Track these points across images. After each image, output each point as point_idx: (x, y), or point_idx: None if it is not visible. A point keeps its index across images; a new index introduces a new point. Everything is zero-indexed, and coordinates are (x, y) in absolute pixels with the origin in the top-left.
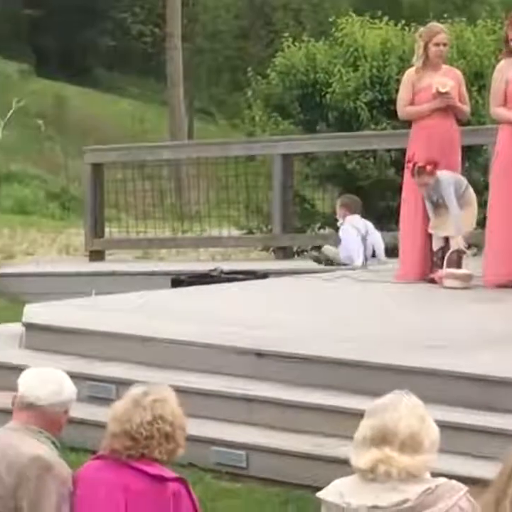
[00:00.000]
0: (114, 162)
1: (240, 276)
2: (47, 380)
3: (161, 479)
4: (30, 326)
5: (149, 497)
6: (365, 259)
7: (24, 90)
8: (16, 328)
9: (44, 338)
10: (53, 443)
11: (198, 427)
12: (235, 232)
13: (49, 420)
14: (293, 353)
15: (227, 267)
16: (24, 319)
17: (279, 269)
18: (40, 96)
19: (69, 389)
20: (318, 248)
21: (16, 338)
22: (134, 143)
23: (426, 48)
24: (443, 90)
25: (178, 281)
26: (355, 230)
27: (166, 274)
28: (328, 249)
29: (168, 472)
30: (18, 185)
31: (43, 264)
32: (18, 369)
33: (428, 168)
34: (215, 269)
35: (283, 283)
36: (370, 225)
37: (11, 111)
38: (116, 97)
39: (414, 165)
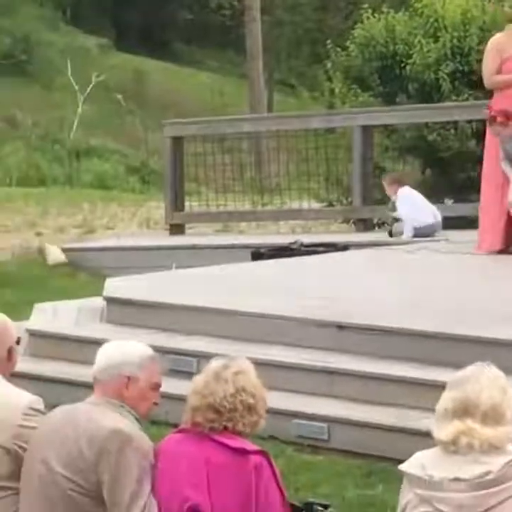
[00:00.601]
0: (193, 135)
1: (320, 248)
2: (112, 352)
3: (243, 452)
4: (111, 300)
5: (231, 470)
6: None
7: (104, 65)
8: (97, 302)
9: (125, 312)
10: (136, 417)
11: (279, 400)
12: (315, 205)
13: (116, 391)
14: (374, 325)
15: (307, 239)
16: (105, 293)
17: (359, 242)
18: (119, 70)
19: (129, 355)
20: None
21: (98, 312)
22: (213, 116)
23: None
24: None
25: (258, 254)
26: (408, 198)
27: (246, 247)
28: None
29: (249, 445)
30: (98, 160)
31: (124, 238)
32: (100, 343)
33: (499, 119)
34: (295, 242)
35: (363, 255)
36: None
37: (91, 85)
38: (196, 71)
39: (489, 113)
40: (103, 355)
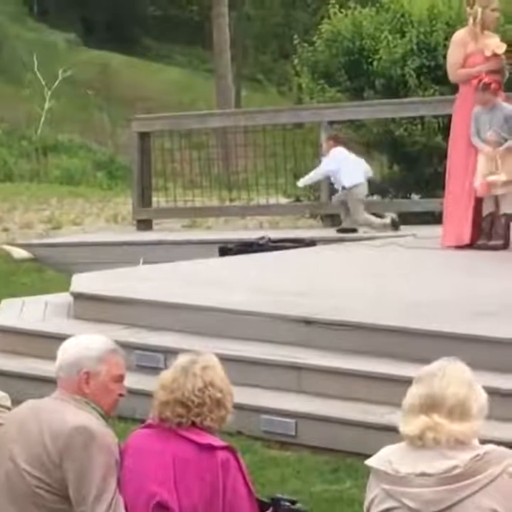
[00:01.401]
0: (161, 131)
1: (288, 244)
2: (70, 348)
3: (210, 448)
4: (78, 296)
5: (198, 466)
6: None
7: (71, 60)
8: (65, 297)
9: (92, 307)
10: (102, 415)
11: (247, 396)
12: (283, 200)
13: (77, 387)
14: (342, 320)
15: (274, 235)
16: (72, 289)
17: (326, 237)
18: (87, 65)
19: (87, 350)
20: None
21: (65, 307)
22: (181, 112)
23: (482, 13)
24: (500, 52)
25: (226, 249)
26: (342, 158)
27: (214, 242)
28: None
29: (216, 441)
30: (65, 156)
31: (91, 234)
32: (66, 338)
33: (493, 85)
34: (262, 238)
35: (331, 251)
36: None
37: (58, 80)
38: (164, 66)
39: (480, 80)
40: (62, 352)
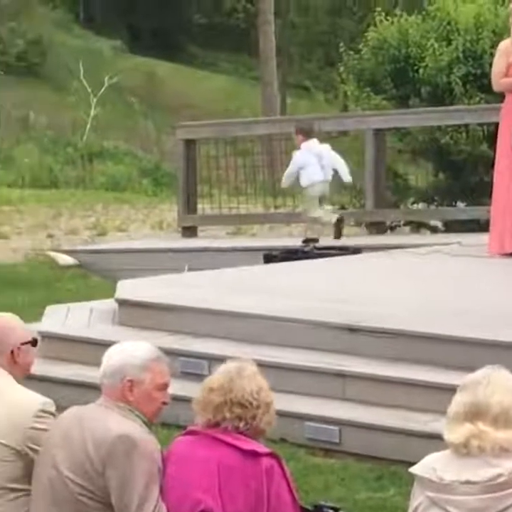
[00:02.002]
0: (207, 138)
1: (333, 251)
2: (114, 355)
3: (254, 454)
4: (122, 302)
5: (242, 473)
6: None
7: (117, 67)
8: (109, 304)
9: (137, 314)
10: (145, 422)
11: (291, 403)
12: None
13: (121, 394)
14: (386, 328)
15: (320, 242)
16: (117, 295)
17: (371, 245)
18: (132, 73)
19: (131, 358)
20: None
21: (109, 314)
22: (227, 119)
23: None
24: None
25: (271, 256)
26: (311, 154)
27: (259, 249)
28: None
29: (261, 447)
30: (110, 162)
31: (136, 241)
32: (111, 345)
33: None
34: (307, 245)
35: (376, 258)
36: (326, 147)
37: (104, 88)
38: (209, 74)
39: None
40: (107, 359)
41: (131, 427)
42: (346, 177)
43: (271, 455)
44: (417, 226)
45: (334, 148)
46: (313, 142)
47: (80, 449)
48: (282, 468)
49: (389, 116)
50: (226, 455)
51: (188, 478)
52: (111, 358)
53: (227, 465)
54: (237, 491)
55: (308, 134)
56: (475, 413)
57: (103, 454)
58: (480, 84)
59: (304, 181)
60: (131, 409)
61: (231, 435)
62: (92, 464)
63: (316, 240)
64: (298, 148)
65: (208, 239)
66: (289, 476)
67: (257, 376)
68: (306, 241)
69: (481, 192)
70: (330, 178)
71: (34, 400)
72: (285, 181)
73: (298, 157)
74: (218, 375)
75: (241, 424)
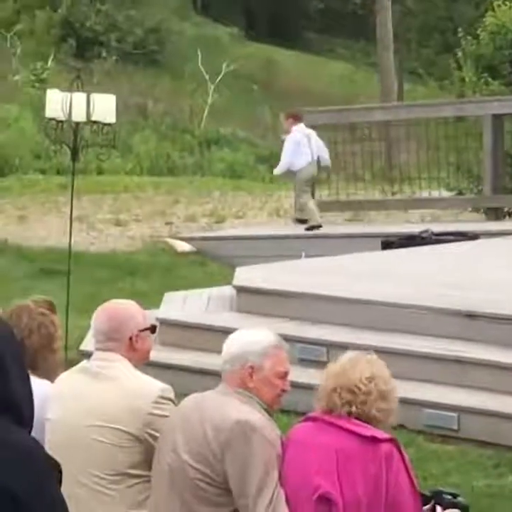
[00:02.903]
0: (324, 124)
1: (451, 237)
2: (235, 342)
3: (374, 440)
4: (240, 289)
5: (361, 458)
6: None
7: (234, 54)
8: (227, 291)
9: (254, 300)
10: (264, 406)
11: (409, 389)
12: (445, 194)
13: (242, 381)
14: (505, 314)
15: (437, 228)
16: (235, 282)
17: (489, 230)
18: (250, 60)
19: (252, 344)
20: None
21: (227, 300)
22: (344, 105)
23: None
24: None
25: (389, 243)
26: (302, 134)
27: (376, 236)
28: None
29: (380, 433)
30: (228, 149)
31: (253, 227)
32: (229, 332)
33: None
34: (425, 231)
35: (494, 244)
36: (313, 132)
37: (221, 74)
38: (327, 60)
39: None
40: (227, 346)
41: (251, 413)
42: (328, 161)
43: (390, 441)
44: None
45: (449, 134)
46: (302, 126)
47: (200, 434)
48: (402, 454)
49: (507, 102)
50: (345, 441)
51: (307, 463)
52: (232, 344)
53: (346, 451)
54: (356, 477)
55: (298, 118)
56: None
57: (222, 439)
58: None
59: (295, 166)
60: (251, 395)
61: (350, 421)
62: (211, 450)
63: (319, 226)
64: (288, 132)
65: (325, 225)
66: (408, 462)
67: (373, 364)
68: (299, 221)
69: None
70: (316, 158)
71: (153, 386)
72: (280, 169)
73: (292, 135)
74: (335, 363)
75: (352, 409)
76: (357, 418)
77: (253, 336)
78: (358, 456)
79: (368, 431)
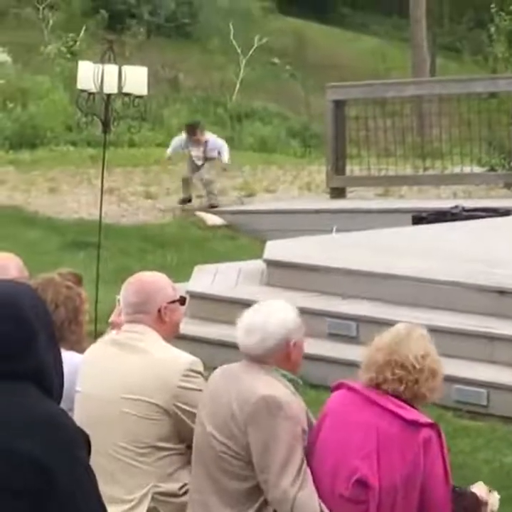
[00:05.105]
0: (356, 99)
1: (482, 213)
2: (268, 317)
3: (415, 424)
4: (271, 263)
5: (402, 442)
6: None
7: (266, 28)
8: (258, 264)
9: (284, 274)
10: (291, 380)
11: None
12: (477, 169)
13: (281, 357)
14: None
15: (468, 204)
16: (265, 256)
17: None
18: (281, 33)
19: (278, 321)
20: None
21: (257, 274)
22: (376, 80)
23: None
24: None
25: (420, 218)
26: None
27: (407, 211)
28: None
29: (422, 417)
30: (259, 123)
31: (284, 202)
32: None
33: None
34: (456, 207)
35: None
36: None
37: (253, 48)
38: (359, 35)
39: None
40: (260, 323)
41: (277, 388)
42: (227, 158)
43: (431, 426)
44: None
45: (481, 109)
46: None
47: (226, 407)
48: (440, 441)
49: None
50: (387, 423)
51: (346, 442)
52: (268, 321)
53: (387, 434)
54: (395, 461)
55: (202, 128)
56: None
57: (247, 412)
58: None
59: (225, 157)
60: (276, 369)
61: (393, 402)
62: (236, 423)
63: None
64: (204, 140)
65: (356, 200)
66: (445, 449)
67: (425, 340)
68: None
69: None
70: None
71: (182, 358)
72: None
73: (218, 140)
74: (387, 334)
75: (401, 387)
76: (401, 397)
77: (285, 312)
78: (399, 440)
79: (411, 414)
